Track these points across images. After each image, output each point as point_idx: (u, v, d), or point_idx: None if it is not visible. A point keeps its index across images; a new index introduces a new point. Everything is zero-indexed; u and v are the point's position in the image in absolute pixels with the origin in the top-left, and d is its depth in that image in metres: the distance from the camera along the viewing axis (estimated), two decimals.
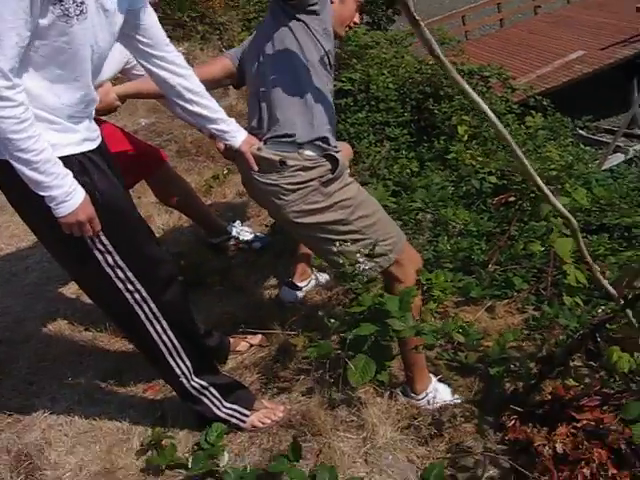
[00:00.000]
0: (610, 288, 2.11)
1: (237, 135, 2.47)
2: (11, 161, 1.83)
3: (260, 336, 2.99)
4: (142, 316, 2.21)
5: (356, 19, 2.77)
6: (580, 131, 10.78)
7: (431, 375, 2.73)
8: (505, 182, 4.38)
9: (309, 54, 2.46)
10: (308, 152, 2.44)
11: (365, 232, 2.47)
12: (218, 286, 3.45)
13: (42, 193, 1.87)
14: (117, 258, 2.09)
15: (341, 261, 2.43)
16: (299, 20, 2.45)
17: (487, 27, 20.10)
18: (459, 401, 2.67)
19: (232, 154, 2.56)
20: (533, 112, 6.91)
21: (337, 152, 2.49)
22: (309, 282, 3.39)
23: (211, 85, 2.67)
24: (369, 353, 2.28)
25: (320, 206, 2.46)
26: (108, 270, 2.10)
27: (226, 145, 2.53)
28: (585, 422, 2.33)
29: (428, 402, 2.65)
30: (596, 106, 14.83)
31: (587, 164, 6.13)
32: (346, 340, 2.32)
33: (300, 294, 3.33)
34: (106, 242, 2.05)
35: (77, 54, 1.89)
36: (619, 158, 12.46)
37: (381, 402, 2.51)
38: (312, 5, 2.43)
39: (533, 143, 6.10)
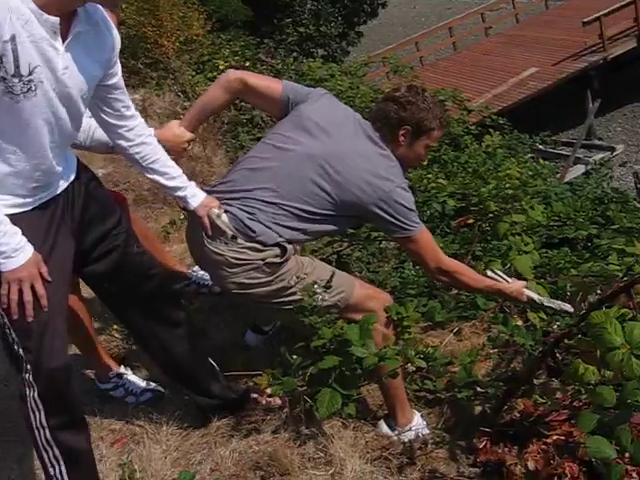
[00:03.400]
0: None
1: (192, 201, 2.47)
2: None
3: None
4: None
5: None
6: (540, 146, 10.91)
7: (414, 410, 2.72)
8: (464, 204, 4.42)
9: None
10: (261, 239, 2.44)
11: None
12: None
13: None
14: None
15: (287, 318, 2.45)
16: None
17: (441, 51, 20.40)
18: (428, 431, 2.66)
19: None
20: (491, 131, 7.04)
21: (289, 243, 2.49)
22: (275, 324, 3.31)
23: (249, 98, 2.75)
24: (334, 386, 2.27)
25: (260, 281, 2.46)
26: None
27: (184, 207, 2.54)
28: (555, 437, 2.33)
29: (405, 435, 2.62)
30: (554, 120, 15.09)
31: (546, 179, 6.20)
32: (310, 375, 2.32)
33: (265, 337, 3.27)
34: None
35: (27, 129, 1.91)
36: (580, 170, 12.66)
37: (349, 435, 2.50)
38: None
39: (493, 162, 6.17)
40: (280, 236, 2.46)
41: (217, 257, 2.47)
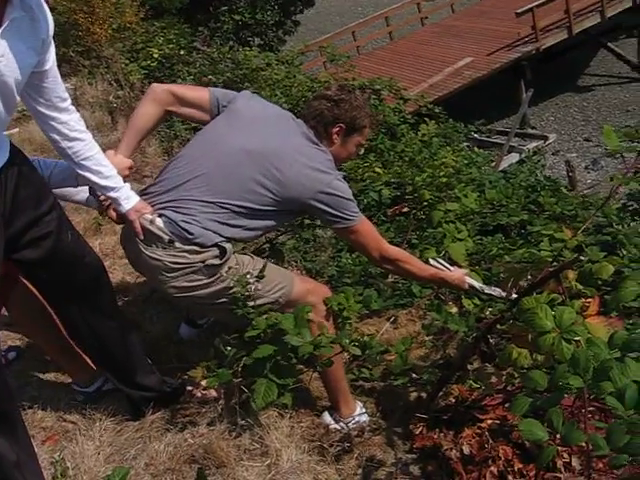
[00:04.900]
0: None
1: (124, 204, 2.41)
2: None
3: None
4: None
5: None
6: (475, 135, 11.07)
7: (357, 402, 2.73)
8: (399, 193, 4.45)
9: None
10: (200, 241, 2.40)
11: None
12: None
13: None
14: None
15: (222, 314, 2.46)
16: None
17: (378, 41, 20.49)
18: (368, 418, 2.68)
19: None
20: (427, 120, 7.10)
21: (228, 242, 2.46)
22: (209, 319, 3.27)
23: (179, 109, 2.64)
24: (270, 376, 2.25)
25: (200, 283, 2.43)
26: None
27: (117, 211, 2.47)
28: (490, 422, 2.38)
29: (348, 426, 2.63)
30: (489, 109, 15.32)
31: (480, 167, 6.29)
32: (245, 366, 2.30)
33: (199, 330, 3.24)
34: None
35: None
36: (514, 158, 12.89)
37: (285, 425, 2.50)
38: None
39: (429, 151, 6.22)
40: (220, 235, 2.42)
41: (155, 262, 2.42)
